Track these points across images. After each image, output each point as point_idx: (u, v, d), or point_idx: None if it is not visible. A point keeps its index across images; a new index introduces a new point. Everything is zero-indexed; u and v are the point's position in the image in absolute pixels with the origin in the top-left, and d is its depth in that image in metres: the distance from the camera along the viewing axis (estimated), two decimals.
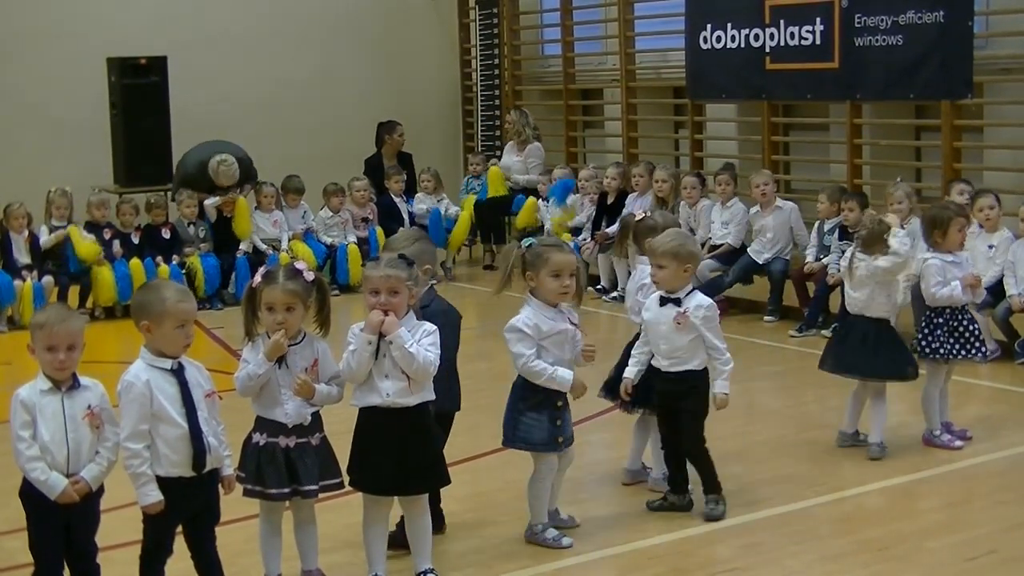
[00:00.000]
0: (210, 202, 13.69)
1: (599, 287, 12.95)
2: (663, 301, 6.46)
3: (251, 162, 14.34)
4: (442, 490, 6.01)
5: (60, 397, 5.07)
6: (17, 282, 12.30)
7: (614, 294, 12.83)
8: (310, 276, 5.50)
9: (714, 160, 14.26)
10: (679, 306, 6.42)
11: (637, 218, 7.10)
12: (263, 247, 13.62)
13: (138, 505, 5.14)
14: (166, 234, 13.29)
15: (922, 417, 7.69)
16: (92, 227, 12.95)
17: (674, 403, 6.51)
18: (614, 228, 12.77)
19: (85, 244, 12.64)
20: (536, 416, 6.07)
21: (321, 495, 5.57)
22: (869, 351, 7.43)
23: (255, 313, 5.51)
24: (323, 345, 5.58)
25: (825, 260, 11.17)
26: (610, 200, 13.41)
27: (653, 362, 6.52)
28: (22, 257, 12.57)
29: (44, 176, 13.90)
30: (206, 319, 11.19)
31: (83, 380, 5.15)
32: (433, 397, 5.62)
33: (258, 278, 5.52)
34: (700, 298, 6.47)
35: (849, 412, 7.63)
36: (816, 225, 11.56)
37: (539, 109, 16.88)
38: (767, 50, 13.27)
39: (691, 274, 6.50)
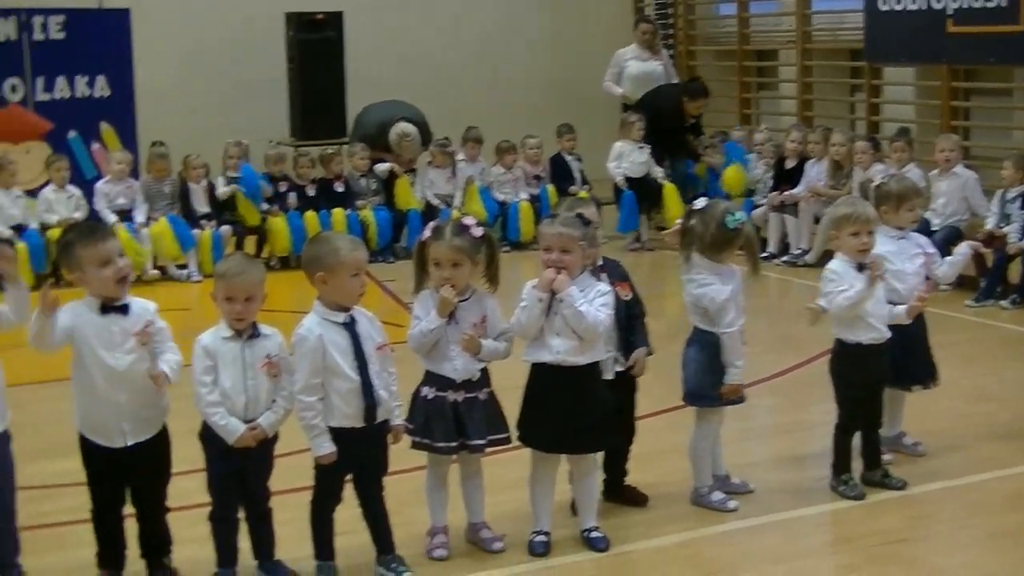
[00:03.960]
0: (380, 168, 13.82)
1: (767, 252, 12.78)
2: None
3: (427, 126, 14.46)
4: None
5: (240, 345, 5.19)
6: (196, 231, 12.63)
7: (784, 258, 12.67)
8: (478, 232, 5.51)
9: (890, 125, 13.97)
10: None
11: (875, 183, 6.94)
12: (436, 202, 13.72)
13: (311, 455, 5.25)
14: (339, 187, 13.48)
15: None
16: (268, 179, 13.20)
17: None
18: (797, 191, 12.63)
19: (246, 205, 12.92)
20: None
21: (488, 450, 5.61)
22: None
23: (424, 267, 5.55)
24: (492, 301, 5.60)
25: (1006, 229, 10.86)
26: (789, 164, 13.18)
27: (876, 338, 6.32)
28: (201, 207, 12.90)
29: (222, 129, 14.21)
30: (378, 272, 11.31)
31: (263, 329, 5.27)
32: (604, 356, 5.62)
33: (427, 232, 5.56)
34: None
35: None
36: (999, 194, 11.24)
37: (712, 69, 16.74)
38: (949, 12, 12.94)
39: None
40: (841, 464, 6.31)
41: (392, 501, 5.48)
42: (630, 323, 5.95)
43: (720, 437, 6.25)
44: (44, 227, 12.26)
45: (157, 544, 5.39)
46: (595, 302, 5.46)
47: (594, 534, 5.70)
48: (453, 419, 5.50)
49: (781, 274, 12.16)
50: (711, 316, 5.93)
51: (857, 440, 6.36)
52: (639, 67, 14.87)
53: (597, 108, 15.99)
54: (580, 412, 5.52)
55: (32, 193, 12.67)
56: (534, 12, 17.78)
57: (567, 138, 14.52)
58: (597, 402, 5.56)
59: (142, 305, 5.26)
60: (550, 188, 14.07)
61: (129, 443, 5.17)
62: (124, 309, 5.18)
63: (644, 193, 13.70)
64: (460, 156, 14.11)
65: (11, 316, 5.29)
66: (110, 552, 5.34)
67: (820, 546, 5.91)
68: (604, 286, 5.57)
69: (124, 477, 5.26)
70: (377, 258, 12.58)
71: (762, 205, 13.06)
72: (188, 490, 5.62)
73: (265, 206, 13.00)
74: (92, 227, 5.42)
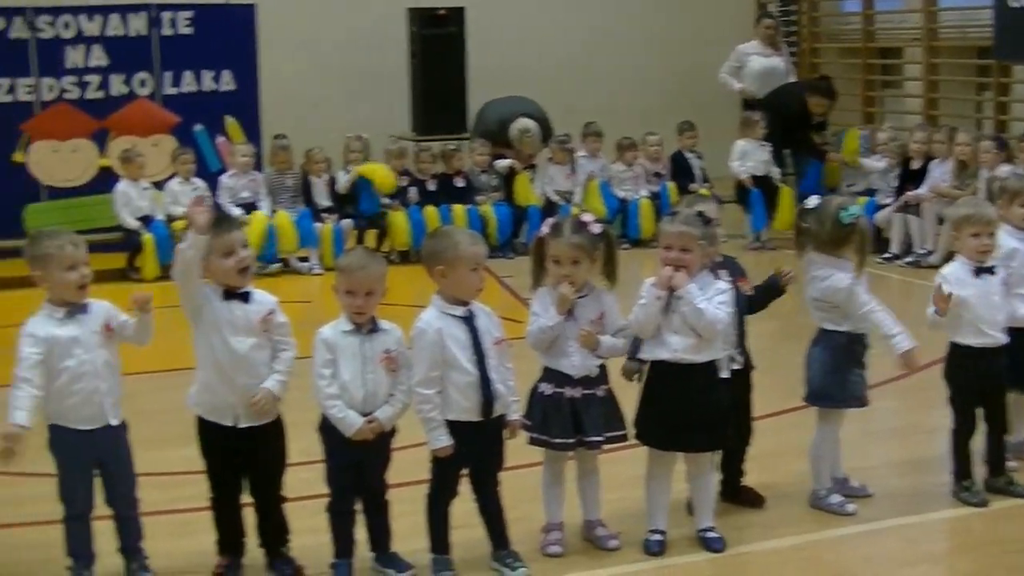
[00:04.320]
0: (501, 164, 13.86)
1: (890, 253, 12.58)
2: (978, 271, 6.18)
3: (548, 122, 14.47)
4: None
5: (360, 339, 5.24)
6: (318, 224, 12.77)
7: (908, 259, 12.49)
8: (597, 229, 5.51)
9: (1018, 124, 13.71)
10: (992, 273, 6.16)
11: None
12: (555, 198, 13.72)
13: (428, 448, 5.28)
14: (460, 183, 13.54)
15: None
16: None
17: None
18: (921, 191, 12.43)
19: (381, 172, 13.00)
20: (860, 372, 5.97)
21: (605, 447, 5.60)
22: None
23: (542, 264, 5.56)
24: (610, 298, 5.59)
25: None
26: (914, 165, 12.94)
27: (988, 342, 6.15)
28: (322, 200, 13.05)
29: (345, 123, 14.35)
30: (497, 268, 11.34)
31: (382, 323, 5.31)
32: (722, 355, 5.59)
33: (545, 229, 5.56)
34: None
35: None
36: None
37: (836, 67, 16.51)
38: None
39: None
40: (962, 469, 6.20)
41: (508, 496, 5.50)
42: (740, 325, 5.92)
43: (840, 439, 6.18)
44: (170, 218, 12.47)
45: (275, 533, 5.46)
46: (714, 300, 5.43)
47: (710, 534, 5.67)
48: (571, 415, 5.50)
49: (903, 275, 11.97)
50: (842, 310, 5.86)
51: (981, 445, 6.25)
52: (762, 63, 14.74)
53: (718, 105, 15.87)
54: (697, 410, 5.49)
55: (159, 185, 12.91)
56: (656, 7, 17.70)
57: (688, 135, 14.43)
58: (714, 401, 5.53)
59: (264, 296, 5.35)
60: (670, 185, 14.00)
61: (241, 425, 5.26)
62: (246, 297, 5.27)
63: (764, 193, 13.58)
64: (581, 152, 14.10)
65: (137, 338, 5.39)
66: (229, 539, 5.43)
67: (940, 553, 5.82)
68: (723, 284, 5.54)
69: (240, 463, 5.34)
70: (496, 254, 12.60)
71: (886, 205, 12.87)
72: (307, 481, 5.68)
73: (386, 201, 13.09)
74: (217, 218, 5.50)
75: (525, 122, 14.18)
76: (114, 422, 5.27)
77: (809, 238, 5.93)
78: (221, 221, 5.43)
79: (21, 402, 5.10)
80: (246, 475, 5.39)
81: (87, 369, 5.20)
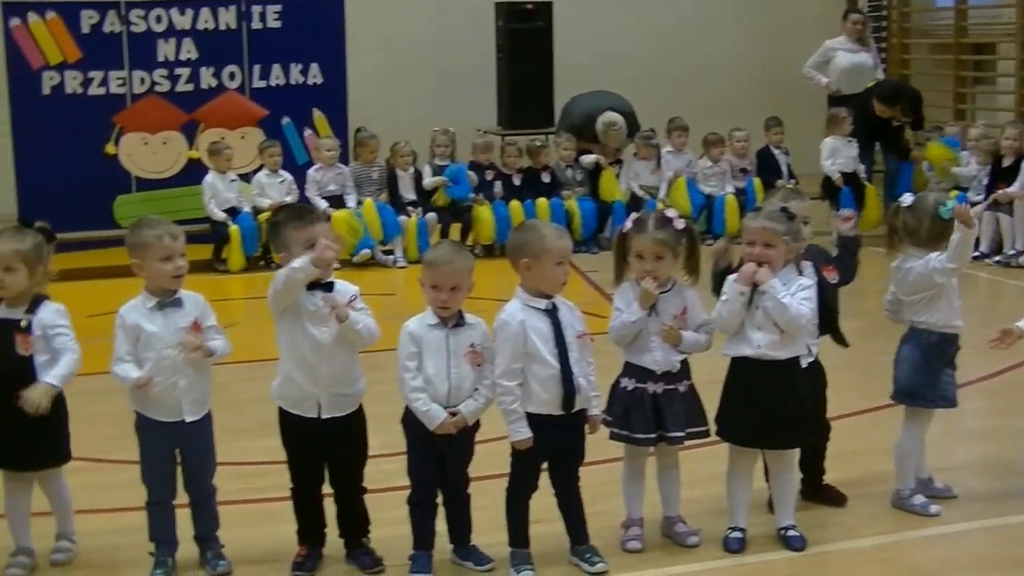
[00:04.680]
0: (587, 160, 13.83)
1: (979, 252, 12.41)
2: None
3: (634, 116, 14.44)
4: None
5: (445, 332, 5.25)
6: (403, 217, 12.83)
7: (997, 258, 12.32)
8: (680, 224, 5.49)
9: None
10: None
11: None
12: (640, 193, 13.70)
13: (508, 440, 5.30)
14: (546, 178, 13.53)
15: None
16: (475, 167, 13.34)
17: None
18: (1012, 189, 12.25)
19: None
20: (951, 372, 5.90)
21: (687, 443, 5.58)
22: None
23: (625, 258, 5.55)
24: (692, 293, 5.57)
25: None
26: (1006, 163, 12.74)
27: None
28: (407, 194, 13.10)
29: (431, 117, 14.41)
30: (581, 262, 11.34)
31: (468, 318, 5.32)
32: (805, 352, 5.55)
33: (629, 224, 5.55)
34: None
35: None
36: None
37: (926, 63, 16.38)
38: None
39: None
40: None
41: (588, 491, 5.49)
42: (831, 311, 5.87)
43: (925, 439, 6.11)
44: (256, 211, 12.59)
45: (355, 524, 5.49)
46: (797, 295, 5.40)
47: (791, 532, 5.63)
48: (652, 411, 5.49)
49: (992, 274, 11.83)
50: (935, 295, 5.80)
51: None
52: (849, 59, 14.60)
53: (805, 101, 15.76)
54: (780, 407, 5.46)
55: (246, 177, 13.04)
56: (744, 2, 17.60)
57: (775, 131, 14.34)
58: (797, 398, 5.50)
59: (346, 286, 5.38)
60: (756, 181, 13.92)
61: (324, 416, 5.30)
62: (329, 287, 5.30)
63: (852, 190, 13.45)
64: (666, 147, 14.05)
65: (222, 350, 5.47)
66: (310, 529, 5.47)
67: (1023, 558, 5.74)
68: (806, 280, 5.51)
69: (321, 454, 5.38)
70: (580, 248, 12.58)
71: (976, 203, 12.70)
72: (389, 472, 5.72)
73: (472, 195, 13.13)
74: (302, 209, 5.55)
75: (611, 115, 14.15)
76: (190, 418, 5.32)
77: (906, 235, 5.88)
78: (305, 212, 5.47)
79: (129, 369, 5.23)
80: (327, 466, 5.44)
81: (167, 364, 5.26)
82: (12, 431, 5.32)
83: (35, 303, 5.39)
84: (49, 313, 5.38)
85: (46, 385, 5.25)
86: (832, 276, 5.89)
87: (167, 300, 5.32)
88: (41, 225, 5.50)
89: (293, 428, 5.35)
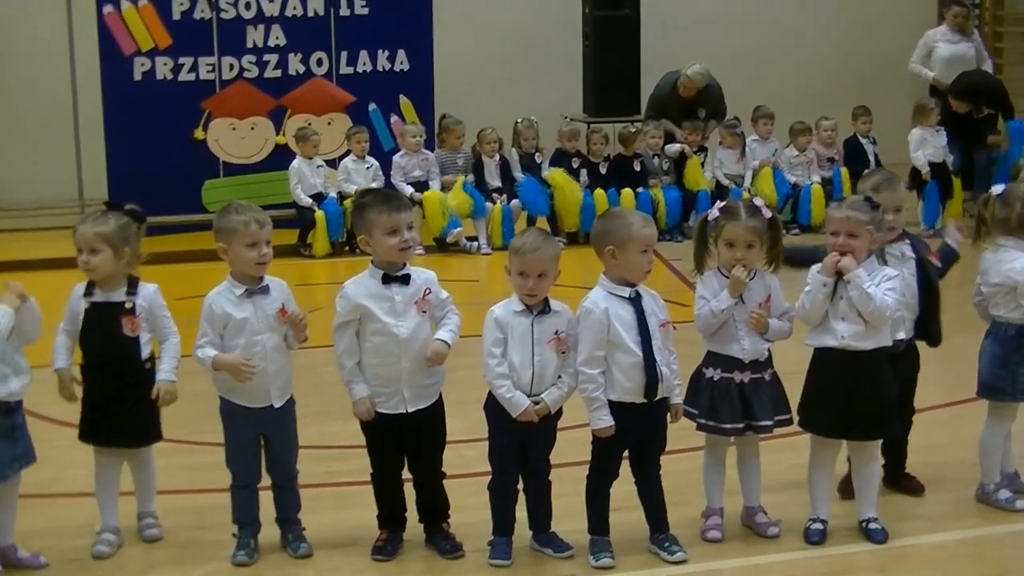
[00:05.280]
0: (671, 149, 13.75)
1: None
2: None
3: (722, 99, 14.35)
4: None
5: (531, 320, 5.27)
6: (488, 204, 12.85)
7: None
8: (767, 213, 5.49)
9: None
10: None
11: None
12: (726, 182, 13.62)
13: (590, 428, 5.30)
14: (637, 166, 13.47)
15: None
16: (561, 155, 13.31)
17: None
18: None
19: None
20: None
21: (775, 431, 5.56)
22: None
23: (706, 246, 5.54)
24: (774, 280, 5.56)
25: None
26: None
27: None
28: (493, 180, 13.11)
29: (516, 103, 14.44)
30: (665, 250, 11.30)
31: (554, 305, 5.33)
32: (890, 343, 5.50)
33: (715, 212, 5.53)
34: None
35: None
36: None
37: (1019, 52, 16.10)
38: None
39: None
40: None
41: (668, 480, 5.48)
42: (931, 299, 5.84)
43: (1011, 433, 6.03)
44: (342, 196, 12.66)
45: (435, 509, 5.52)
46: (882, 286, 5.36)
47: (872, 525, 5.58)
48: (740, 400, 5.47)
49: None
50: (1019, 292, 5.72)
51: None
52: (949, 50, 14.40)
53: (895, 90, 15.59)
54: (863, 399, 5.42)
55: (332, 163, 13.13)
56: None
57: (863, 120, 14.18)
58: (881, 389, 5.45)
59: (423, 275, 5.40)
60: (843, 171, 13.78)
61: (409, 410, 5.32)
62: (406, 279, 5.33)
63: (939, 180, 13.30)
64: (752, 136, 13.96)
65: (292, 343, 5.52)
66: (390, 514, 5.51)
67: None
68: (891, 271, 5.47)
69: (403, 443, 5.41)
70: (664, 237, 12.53)
71: None
72: (469, 458, 5.74)
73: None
74: (388, 195, 5.57)
75: (695, 66, 14.08)
76: (277, 404, 5.39)
77: (996, 225, 5.82)
78: (391, 198, 5.50)
79: (209, 352, 5.33)
80: (407, 453, 5.47)
81: (256, 351, 5.32)
82: (113, 410, 5.50)
83: (132, 285, 5.50)
84: (151, 294, 5.53)
85: (166, 383, 5.47)
86: (935, 260, 5.86)
87: (255, 287, 5.36)
88: (130, 208, 5.60)
89: (375, 421, 5.37)
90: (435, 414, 5.42)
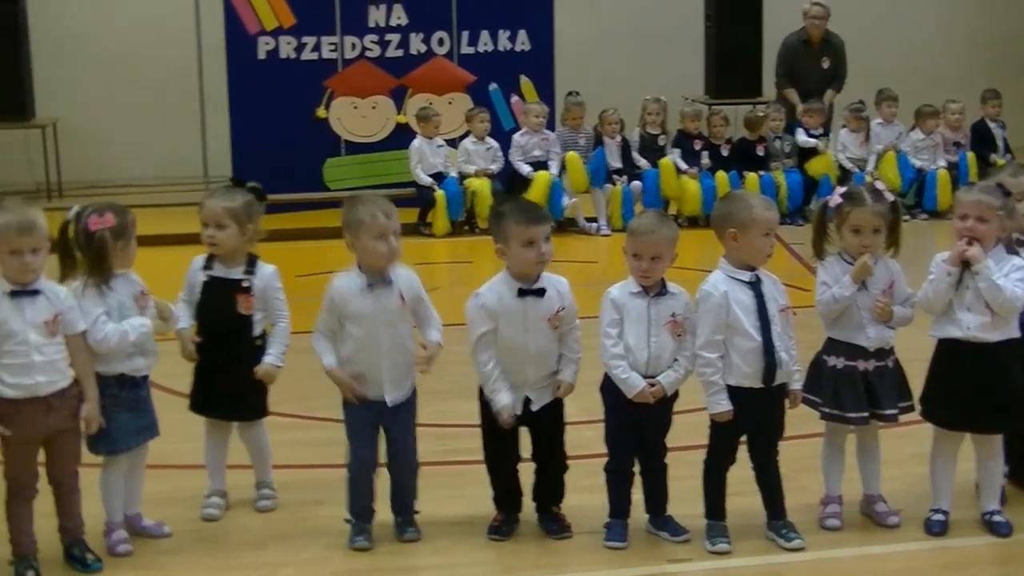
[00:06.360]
0: (805, 142, 13.51)
1: None
2: None
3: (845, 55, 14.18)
4: None
5: (647, 301, 5.26)
6: (607, 186, 12.81)
7: None
8: (890, 197, 5.41)
9: None
10: None
11: None
12: (849, 166, 13.43)
13: (707, 412, 5.26)
14: (760, 151, 13.32)
15: None
16: (683, 136, 13.22)
17: None
18: None
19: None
20: None
21: (899, 419, 5.48)
22: None
23: (825, 231, 5.48)
24: (897, 266, 5.48)
25: None
26: None
27: None
28: (614, 161, 13.05)
29: (636, 84, 14.36)
30: (786, 234, 11.19)
31: (671, 287, 5.31)
32: (1018, 334, 5.38)
33: (837, 197, 5.46)
34: None
35: None
36: None
37: None
38: None
39: None
40: None
41: (786, 466, 5.44)
42: None
43: None
44: (462, 176, 12.70)
45: (551, 495, 5.52)
46: (1011, 276, 5.24)
47: (996, 518, 5.48)
48: (864, 389, 5.40)
49: None
50: None
51: None
52: None
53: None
54: (989, 392, 5.32)
55: (452, 143, 13.16)
56: None
57: (992, 104, 13.92)
58: (1008, 381, 5.34)
59: (554, 285, 5.36)
60: (970, 156, 13.53)
61: (534, 408, 5.34)
62: (540, 293, 5.31)
63: None
64: (877, 119, 13.75)
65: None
66: (506, 496, 5.51)
67: None
68: (1019, 260, 5.34)
69: (520, 421, 5.40)
70: (786, 220, 12.39)
71: None
72: (587, 439, 5.73)
73: (684, 167, 12.98)
74: (527, 206, 5.51)
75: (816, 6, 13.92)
76: (391, 399, 5.37)
77: None
78: (532, 210, 5.45)
79: (325, 351, 5.37)
80: (531, 438, 5.46)
81: (369, 343, 5.33)
82: (220, 383, 5.63)
83: (251, 263, 5.57)
84: (268, 275, 5.62)
85: (271, 367, 5.59)
86: None
87: (379, 280, 5.35)
88: (253, 185, 5.68)
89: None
90: (557, 406, 5.42)
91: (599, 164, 12.84)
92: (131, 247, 5.32)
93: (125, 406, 5.28)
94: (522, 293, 5.29)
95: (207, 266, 5.63)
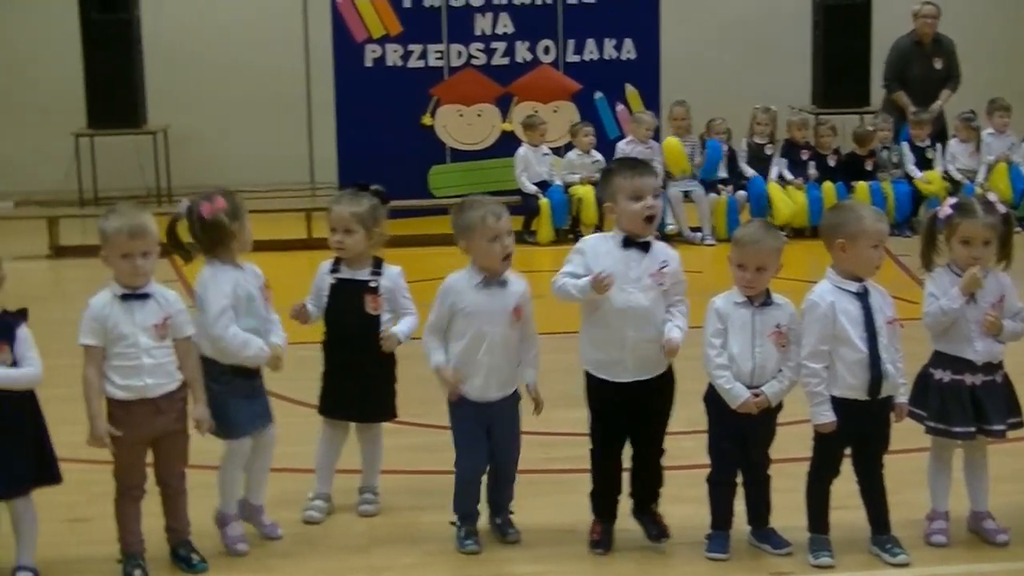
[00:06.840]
0: (916, 176, 13.33)
1: None
2: None
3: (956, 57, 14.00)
4: None
5: (751, 311, 5.23)
6: (712, 195, 12.74)
7: None
8: (1002, 209, 5.34)
9: None
10: None
11: None
12: (958, 177, 13.23)
13: (811, 423, 5.22)
14: (869, 166, 13.15)
15: None
16: (791, 146, 13.12)
17: None
18: None
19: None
20: None
21: (1008, 434, 5.39)
22: None
23: (934, 243, 5.41)
24: (1007, 279, 5.39)
25: None
26: None
27: None
28: (719, 171, 12.96)
29: (744, 93, 14.28)
30: (893, 245, 11.03)
31: (776, 298, 5.30)
32: None
33: (947, 209, 5.39)
34: None
35: None
36: None
37: None
38: None
39: None
40: None
41: (891, 480, 5.37)
42: None
43: None
44: (567, 185, 12.71)
45: (650, 486, 5.47)
46: None
47: None
48: (971, 403, 5.33)
49: None
50: None
51: None
52: None
53: None
54: None
55: (557, 151, 13.18)
56: None
57: None
58: None
59: (663, 249, 5.39)
60: None
61: (631, 379, 5.29)
62: (646, 247, 5.30)
63: None
64: (988, 130, 13.53)
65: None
66: (604, 499, 5.47)
67: None
68: None
69: (625, 416, 5.36)
70: (893, 231, 12.18)
71: None
72: (689, 450, 5.71)
73: (790, 177, 12.88)
74: (635, 161, 5.58)
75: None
76: (493, 397, 5.39)
77: None
78: (637, 164, 5.48)
79: (435, 351, 5.40)
80: (630, 421, 5.40)
81: (478, 343, 5.35)
82: (351, 384, 5.72)
83: (377, 265, 5.70)
84: (394, 275, 5.73)
85: (396, 336, 5.66)
86: None
87: (494, 280, 5.38)
88: (376, 188, 5.81)
89: (600, 390, 5.35)
90: (661, 386, 5.37)
91: (715, 157, 12.76)
92: (247, 228, 5.44)
93: (241, 393, 5.40)
94: (627, 244, 5.27)
95: (334, 269, 5.74)
